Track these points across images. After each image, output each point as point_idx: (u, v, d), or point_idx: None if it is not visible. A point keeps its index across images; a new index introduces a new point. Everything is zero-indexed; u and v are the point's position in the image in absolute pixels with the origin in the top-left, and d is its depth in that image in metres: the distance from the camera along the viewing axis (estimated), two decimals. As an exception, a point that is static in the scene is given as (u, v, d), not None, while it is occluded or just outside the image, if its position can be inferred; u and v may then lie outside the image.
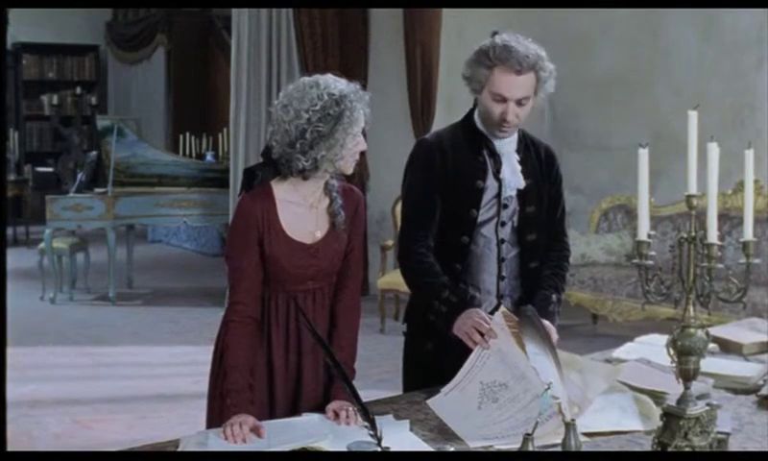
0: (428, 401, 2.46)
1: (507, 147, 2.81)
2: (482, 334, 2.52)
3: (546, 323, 2.60)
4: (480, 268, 2.82)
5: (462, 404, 2.39)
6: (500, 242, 2.82)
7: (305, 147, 2.39)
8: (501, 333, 2.49)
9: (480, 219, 2.79)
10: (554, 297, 2.79)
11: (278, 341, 2.53)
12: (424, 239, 2.79)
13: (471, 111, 2.86)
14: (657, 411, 2.24)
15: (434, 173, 2.79)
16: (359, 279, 2.67)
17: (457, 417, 2.34)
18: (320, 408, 2.49)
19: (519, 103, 2.69)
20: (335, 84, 2.43)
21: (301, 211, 2.50)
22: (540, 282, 2.83)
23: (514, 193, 2.81)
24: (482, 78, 2.69)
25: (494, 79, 2.67)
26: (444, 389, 2.46)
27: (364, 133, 2.49)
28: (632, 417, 2.37)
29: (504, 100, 2.68)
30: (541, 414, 2.01)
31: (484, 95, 2.72)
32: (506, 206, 2.81)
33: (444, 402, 2.42)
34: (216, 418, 2.45)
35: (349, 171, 2.52)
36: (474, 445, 2.22)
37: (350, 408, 2.35)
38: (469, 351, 2.56)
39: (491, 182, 2.79)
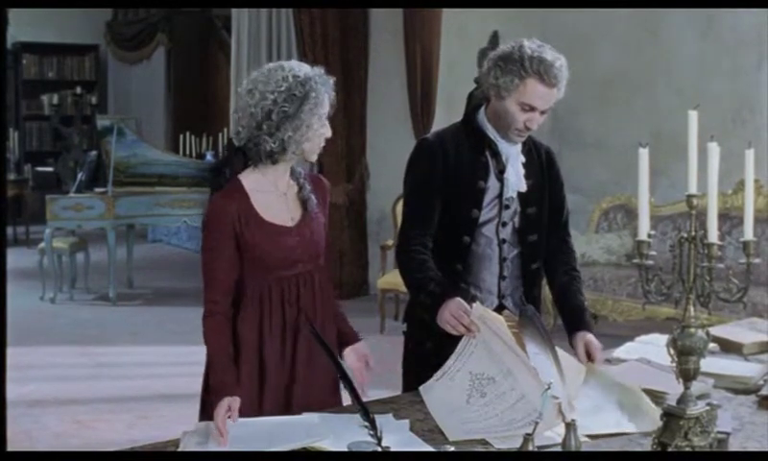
0: (420, 388, 2.51)
1: (512, 149, 2.81)
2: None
3: (590, 337, 2.65)
4: (481, 268, 2.82)
5: (452, 396, 2.42)
6: (501, 242, 2.82)
7: (272, 128, 2.43)
8: (483, 326, 2.50)
9: (481, 219, 2.79)
10: (587, 304, 2.84)
11: (273, 332, 2.52)
12: (421, 237, 2.79)
13: (474, 111, 2.86)
14: (657, 410, 2.24)
15: (435, 173, 2.79)
16: (330, 258, 2.72)
17: (445, 410, 2.38)
18: (313, 406, 2.49)
19: (543, 112, 2.72)
20: (299, 66, 2.48)
21: (273, 198, 2.53)
22: (566, 291, 2.85)
23: (515, 194, 2.81)
24: (511, 86, 2.68)
25: (527, 90, 2.67)
26: (435, 375, 2.50)
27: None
28: (631, 416, 2.36)
29: (532, 109, 2.69)
30: (542, 415, 2.01)
31: (508, 102, 2.70)
32: (507, 207, 2.81)
33: (435, 391, 2.47)
34: (208, 413, 2.44)
35: (313, 157, 2.56)
36: (454, 438, 2.23)
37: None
38: None
39: (492, 183, 2.80)
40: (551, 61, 2.65)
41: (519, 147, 2.82)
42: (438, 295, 2.64)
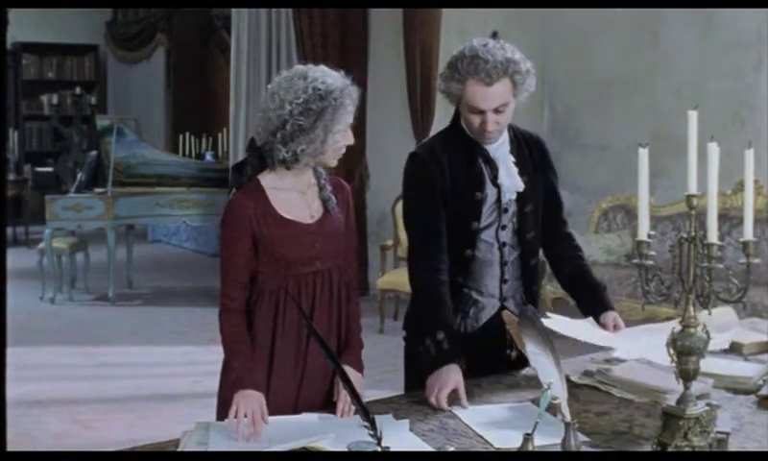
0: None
1: (501, 150, 2.76)
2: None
3: (614, 315, 2.74)
4: (482, 273, 2.79)
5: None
6: (502, 246, 2.79)
7: (285, 138, 2.41)
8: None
9: (480, 226, 2.76)
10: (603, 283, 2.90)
11: (287, 329, 2.52)
12: (437, 262, 2.70)
13: (457, 117, 2.79)
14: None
15: (434, 188, 2.72)
16: (355, 267, 2.70)
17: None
18: (321, 404, 2.50)
19: (497, 111, 2.64)
20: (324, 77, 2.44)
21: (292, 196, 2.52)
22: (579, 273, 2.90)
23: (513, 197, 2.77)
24: (456, 92, 2.66)
25: (468, 92, 2.63)
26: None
27: (353, 128, 2.51)
28: None
29: (481, 111, 2.64)
30: (541, 415, 2.01)
31: (461, 108, 2.69)
32: (506, 210, 2.78)
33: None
34: (226, 412, 2.43)
35: (333, 164, 2.55)
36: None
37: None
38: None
39: (489, 190, 2.75)
40: (485, 59, 2.58)
41: (508, 146, 2.77)
42: (444, 351, 2.55)
